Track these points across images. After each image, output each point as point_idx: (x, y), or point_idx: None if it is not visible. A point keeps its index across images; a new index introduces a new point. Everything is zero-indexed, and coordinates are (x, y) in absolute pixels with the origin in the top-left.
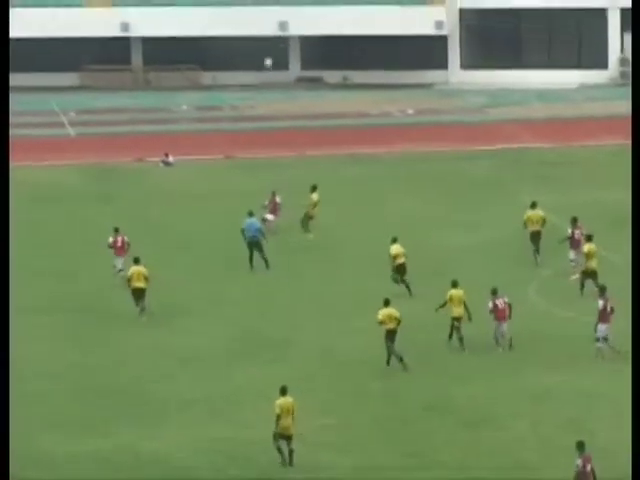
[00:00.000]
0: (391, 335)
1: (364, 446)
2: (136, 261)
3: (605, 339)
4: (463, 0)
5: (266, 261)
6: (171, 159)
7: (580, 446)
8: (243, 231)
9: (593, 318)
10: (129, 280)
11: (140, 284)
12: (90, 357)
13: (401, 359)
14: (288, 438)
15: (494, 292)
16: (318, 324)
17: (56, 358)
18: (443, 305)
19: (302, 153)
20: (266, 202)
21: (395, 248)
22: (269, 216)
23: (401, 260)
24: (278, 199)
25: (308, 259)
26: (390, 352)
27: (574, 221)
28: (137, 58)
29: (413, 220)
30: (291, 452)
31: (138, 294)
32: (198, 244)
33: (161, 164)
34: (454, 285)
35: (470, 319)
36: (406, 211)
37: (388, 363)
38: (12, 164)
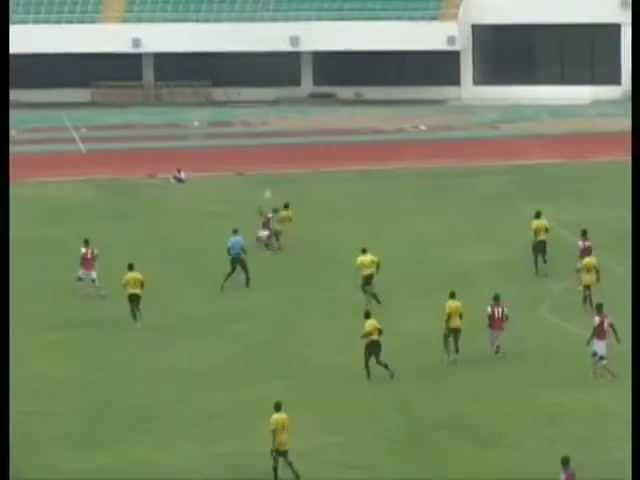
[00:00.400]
0: (375, 347)
1: (374, 464)
2: (131, 267)
3: (599, 356)
4: (475, 16)
5: (248, 280)
6: (183, 175)
7: (565, 462)
8: (229, 250)
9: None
10: (124, 286)
11: (136, 290)
12: (103, 374)
13: (369, 373)
14: (284, 453)
15: (496, 298)
16: (329, 340)
17: (69, 375)
18: (448, 320)
19: (315, 169)
20: (265, 214)
21: (363, 258)
22: (261, 232)
23: (368, 271)
24: (270, 215)
25: (321, 275)
26: (367, 365)
27: (584, 233)
28: (149, 74)
29: (426, 236)
30: (290, 464)
31: (134, 300)
32: (209, 260)
33: (173, 180)
34: (452, 296)
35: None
36: (419, 227)
37: (390, 374)
38: (23, 180)
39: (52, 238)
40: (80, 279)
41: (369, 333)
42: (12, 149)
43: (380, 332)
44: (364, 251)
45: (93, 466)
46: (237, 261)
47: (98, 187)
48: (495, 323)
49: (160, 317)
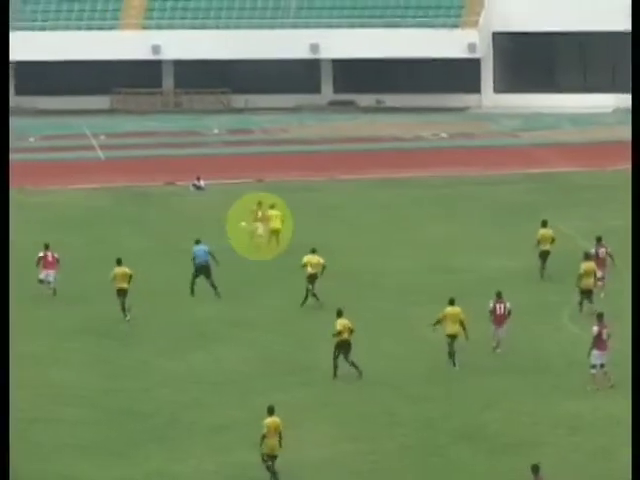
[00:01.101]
0: (345, 345)
1: (392, 473)
2: (119, 262)
3: (602, 366)
4: (496, 23)
5: (215, 288)
6: (202, 183)
7: (535, 469)
8: (193, 259)
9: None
10: (112, 281)
11: (124, 285)
12: (118, 382)
13: (335, 372)
14: (273, 458)
15: (499, 295)
16: None
17: (84, 383)
18: (437, 323)
19: (334, 177)
20: (259, 214)
21: (309, 257)
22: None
23: (313, 271)
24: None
25: (339, 283)
26: (335, 363)
27: (599, 240)
28: (168, 81)
29: (445, 244)
30: (274, 472)
31: (122, 294)
32: (228, 268)
33: (192, 188)
34: (451, 303)
35: (467, 338)
36: (439, 235)
37: (359, 374)
38: (41, 187)
39: (70, 245)
40: (41, 281)
41: (339, 332)
42: (31, 156)
43: (351, 331)
44: (314, 251)
45: (109, 476)
46: (202, 270)
47: (117, 194)
48: (497, 319)
49: (175, 324)
